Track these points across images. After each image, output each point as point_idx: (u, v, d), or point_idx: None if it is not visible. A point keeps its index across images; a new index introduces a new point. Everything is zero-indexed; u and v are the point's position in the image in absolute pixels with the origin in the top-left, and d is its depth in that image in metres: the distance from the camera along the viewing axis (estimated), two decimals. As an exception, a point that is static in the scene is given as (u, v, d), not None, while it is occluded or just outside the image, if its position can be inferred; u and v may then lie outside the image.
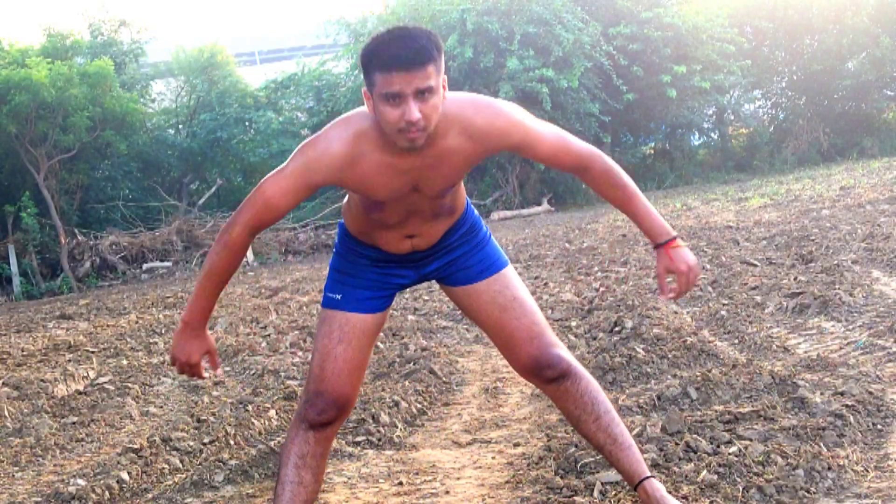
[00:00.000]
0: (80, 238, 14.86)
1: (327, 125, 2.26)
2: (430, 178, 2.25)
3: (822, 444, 2.85)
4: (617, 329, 5.04)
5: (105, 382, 5.27)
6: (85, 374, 5.56)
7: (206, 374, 2.40)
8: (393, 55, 2.03)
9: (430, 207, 2.34)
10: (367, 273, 2.45)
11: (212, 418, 4.03)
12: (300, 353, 5.62)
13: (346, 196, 2.45)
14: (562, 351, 2.44)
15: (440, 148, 2.20)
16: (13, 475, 3.78)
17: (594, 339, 5.05)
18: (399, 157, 2.18)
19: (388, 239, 2.40)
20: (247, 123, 19.27)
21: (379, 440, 3.70)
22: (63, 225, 14.74)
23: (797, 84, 21.40)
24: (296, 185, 2.18)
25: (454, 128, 2.20)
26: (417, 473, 3.24)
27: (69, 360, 6.22)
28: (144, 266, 14.53)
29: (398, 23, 19.36)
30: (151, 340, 6.79)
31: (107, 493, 3.26)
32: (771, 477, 2.62)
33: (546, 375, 2.43)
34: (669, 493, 2.48)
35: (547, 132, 2.29)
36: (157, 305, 9.41)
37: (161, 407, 4.78)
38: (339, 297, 2.44)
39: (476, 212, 2.57)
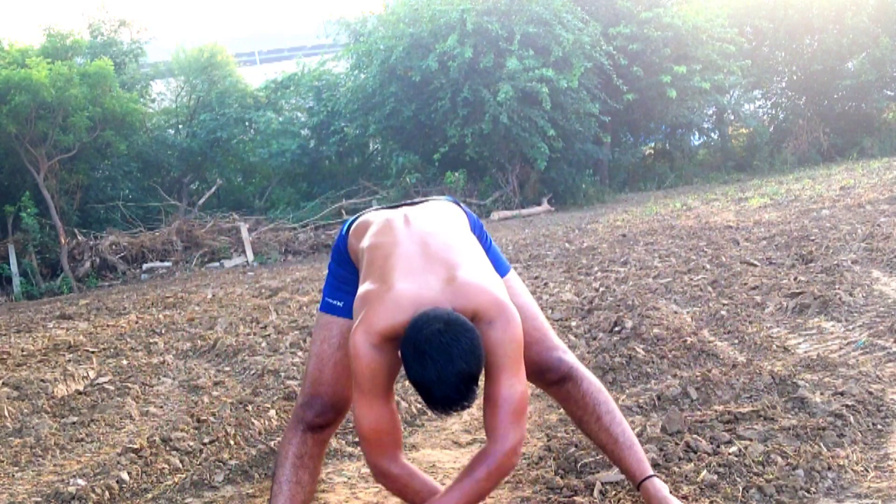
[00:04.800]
0: (80, 238, 14.85)
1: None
2: None
3: (822, 444, 2.85)
4: (617, 329, 5.03)
5: (105, 382, 5.27)
6: (85, 374, 5.55)
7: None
8: (442, 409, 2.05)
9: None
10: None
11: (212, 418, 4.03)
12: (300, 353, 5.62)
13: (357, 220, 2.49)
14: (563, 354, 2.44)
15: None
16: (13, 475, 3.78)
17: (594, 339, 5.05)
18: None
19: None
20: (247, 123, 19.26)
21: (379, 440, 3.69)
22: (63, 225, 14.73)
23: (797, 84, 21.39)
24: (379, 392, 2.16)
25: None
26: (417, 473, 3.24)
27: (69, 360, 6.22)
28: (144, 266, 14.52)
29: (398, 23, 19.12)
30: (151, 340, 6.79)
31: (107, 493, 3.26)
32: (771, 477, 2.62)
33: (547, 379, 2.43)
34: (669, 492, 2.48)
35: (507, 384, 2.15)
36: (157, 305, 9.40)
37: (161, 407, 4.78)
38: (340, 304, 2.44)
39: (476, 216, 2.57)
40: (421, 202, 2.58)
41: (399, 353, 2.07)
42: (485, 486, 2.14)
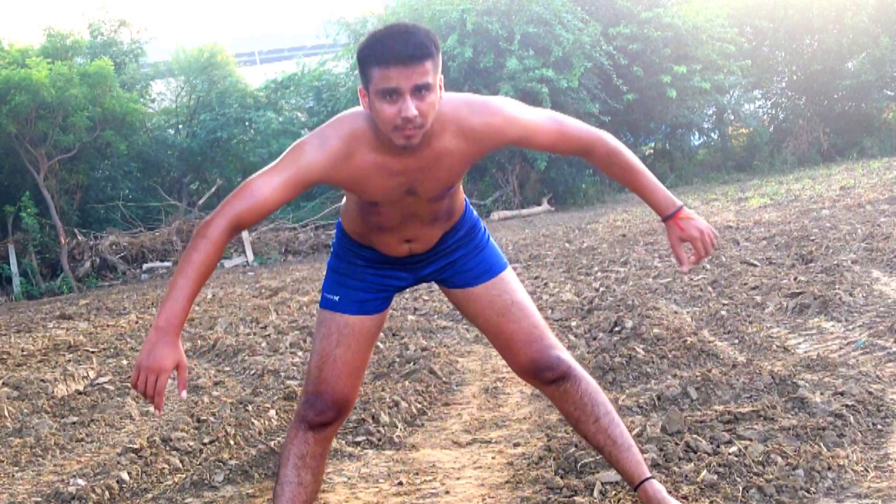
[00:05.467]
0: (80, 238, 14.86)
1: (323, 124, 2.24)
2: (425, 181, 2.22)
3: (822, 444, 2.85)
4: (617, 329, 5.03)
5: (105, 382, 5.27)
6: (85, 374, 5.55)
7: (162, 404, 2.04)
8: (391, 50, 2.02)
9: (428, 211, 2.31)
10: (365, 275, 2.43)
11: (212, 418, 4.03)
12: (300, 353, 5.62)
13: (345, 197, 2.44)
14: (561, 353, 2.43)
15: (436, 149, 2.18)
16: (13, 475, 3.78)
17: (594, 339, 5.05)
18: (393, 157, 2.16)
19: (386, 242, 2.38)
20: (247, 123, 19.26)
21: (379, 440, 3.70)
22: (63, 225, 14.73)
23: (797, 84, 21.39)
24: (287, 182, 2.11)
25: (449, 129, 2.18)
26: (417, 473, 3.24)
27: (69, 360, 6.22)
28: (144, 266, 14.52)
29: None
30: (151, 340, 6.78)
31: (107, 493, 3.26)
32: (771, 477, 2.62)
33: (545, 377, 2.42)
34: (669, 493, 2.48)
35: (544, 122, 2.26)
36: (157, 305, 9.40)
37: (161, 407, 4.78)
38: (336, 298, 2.43)
39: (475, 213, 2.55)
40: None
41: (355, 147, 2.14)
42: (636, 158, 2.36)
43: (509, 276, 2.48)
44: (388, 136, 2.09)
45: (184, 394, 2.10)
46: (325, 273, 2.53)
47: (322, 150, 2.15)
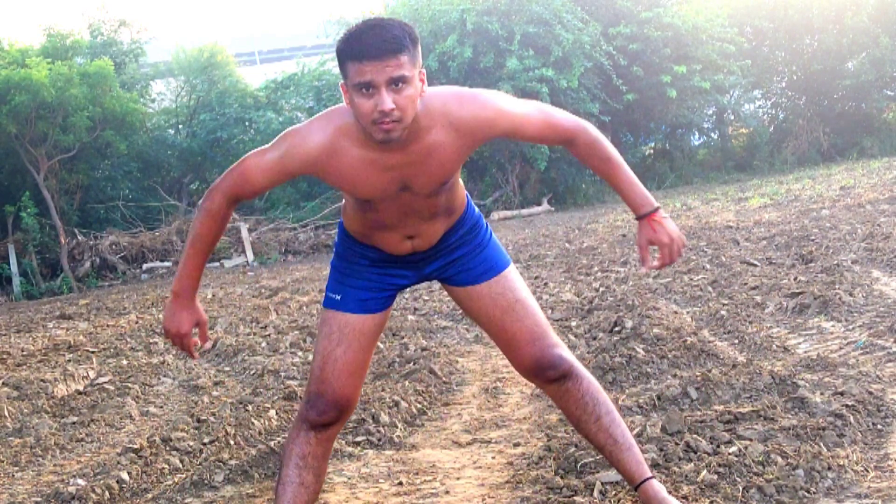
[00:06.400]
0: (80, 238, 14.86)
1: (314, 116, 2.28)
2: (418, 176, 2.22)
3: (822, 444, 2.85)
4: (617, 329, 5.03)
5: (105, 382, 5.27)
6: (85, 374, 5.55)
7: (196, 354, 2.39)
8: (365, 44, 2.03)
9: (426, 207, 2.31)
10: (367, 273, 2.43)
11: (212, 418, 4.03)
12: (300, 353, 5.62)
13: (344, 198, 2.45)
14: (563, 352, 2.43)
15: (426, 143, 2.18)
16: (13, 475, 3.78)
17: (594, 339, 5.05)
18: (382, 153, 2.16)
19: (388, 240, 2.38)
20: (247, 123, 19.27)
21: (379, 440, 3.70)
22: (63, 225, 14.74)
23: (797, 84, 21.40)
24: (272, 168, 2.21)
25: (439, 122, 2.18)
26: (417, 473, 3.24)
27: (69, 360, 6.22)
28: (144, 266, 14.53)
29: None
30: (151, 340, 6.79)
31: (107, 493, 3.26)
32: (771, 477, 2.62)
33: (548, 376, 2.42)
34: (669, 493, 2.48)
35: (532, 113, 2.28)
36: (157, 305, 9.40)
37: (161, 407, 4.78)
38: (338, 297, 2.43)
39: (477, 211, 2.55)
40: None
41: (347, 139, 2.17)
42: (617, 153, 2.33)
43: (512, 275, 2.47)
44: (368, 130, 2.10)
45: (207, 344, 2.41)
46: (326, 273, 2.53)
47: (304, 143, 2.20)
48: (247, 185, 2.24)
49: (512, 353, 2.45)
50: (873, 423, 3.08)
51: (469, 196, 2.52)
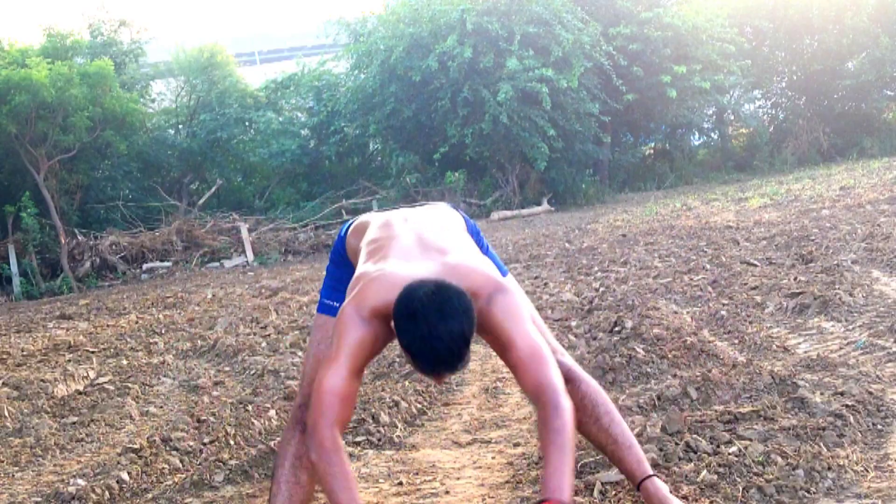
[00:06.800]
0: (80, 238, 14.85)
1: (360, 293, 2.19)
2: None
3: (822, 444, 2.85)
4: (617, 329, 5.03)
5: (105, 382, 5.27)
6: (85, 374, 5.56)
7: None
8: (434, 368, 2.05)
9: None
10: None
11: (212, 418, 4.03)
12: (300, 353, 5.62)
13: (355, 222, 2.49)
14: (562, 356, 2.45)
15: None
16: (13, 475, 3.78)
17: (594, 339, 5.05)
18: None
19: None
20: (247, 123, 19.28)
21: (379, 440, 3.70)
22: (63, 225, 14.73)
23: (797, 84, 21.40)
24: (350, 371, 2.12)
25: None
26: (417, 473, 3.24)
27: (69, 360, 6.22)
28: (144, 266, 14.52)
29: (398, 23, 18.98)
30: (151, 340, 6.79)
31: (107, 493, 3.26)
32: (771, 477, 2.62)
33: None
34: (670, 492, 2.48)
35: (525, 343, 2.13)
36: (157, 305, 9.41)
37: (161, 407, 4.78)
38: (336, 304, 2.45)
39: (473, 221, 2.59)
40: (420, 205, 2.63)
41: (391, 324, 2.10)
42: (569, 431, 2.03)
43: (509, 282, 2.48)
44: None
45: None
46: (324, 275, 2.55)
47: (363, 328, 2.15)
48: (344, 404, 2.13)
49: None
50: (873, 423, 3.08)
51: (461, 201, 2.53)
